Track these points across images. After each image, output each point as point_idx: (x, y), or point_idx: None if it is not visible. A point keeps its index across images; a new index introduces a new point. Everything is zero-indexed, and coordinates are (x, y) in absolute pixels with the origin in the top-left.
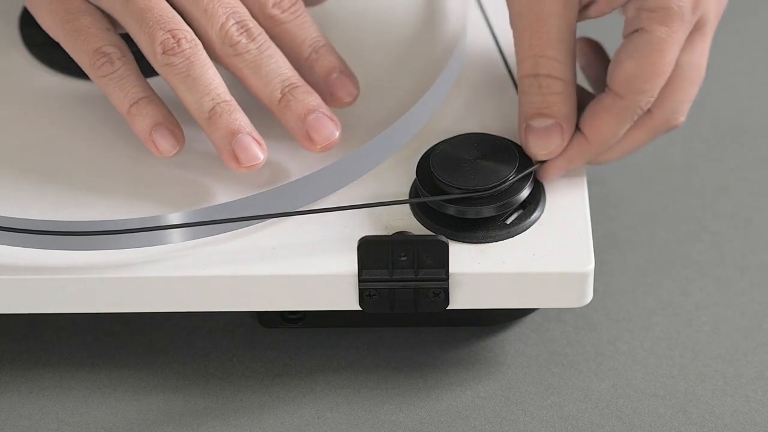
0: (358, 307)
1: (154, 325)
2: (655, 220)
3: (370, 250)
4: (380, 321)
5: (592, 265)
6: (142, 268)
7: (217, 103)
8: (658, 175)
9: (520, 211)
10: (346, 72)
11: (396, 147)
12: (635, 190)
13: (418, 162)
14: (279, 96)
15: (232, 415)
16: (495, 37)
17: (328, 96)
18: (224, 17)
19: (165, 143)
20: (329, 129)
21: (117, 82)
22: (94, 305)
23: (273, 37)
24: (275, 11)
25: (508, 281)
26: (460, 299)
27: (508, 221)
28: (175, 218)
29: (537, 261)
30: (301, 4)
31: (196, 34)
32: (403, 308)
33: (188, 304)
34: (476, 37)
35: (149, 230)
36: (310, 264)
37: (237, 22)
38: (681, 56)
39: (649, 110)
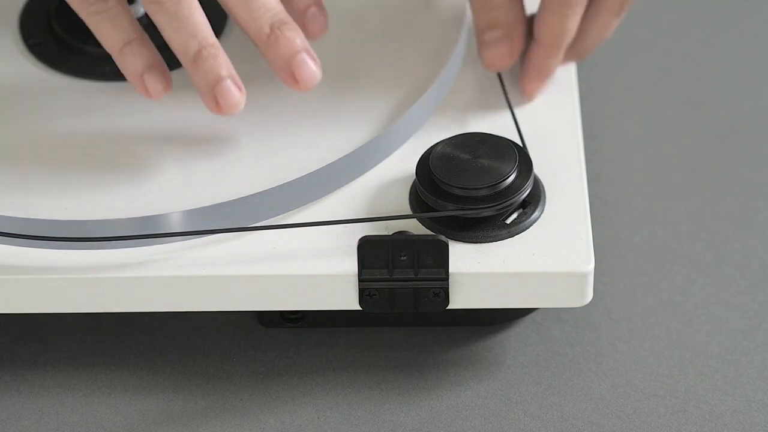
0: (358, 307)
1: (154, 325)
2: (655, 220)
3: (370, 249)
4: (380, 321)
5: (592, 265)
6: (142, 268)
7: (203, 47)
8: (658, 175)
9: (520, 211)
10: (320, 6)
11: (396, 146)
12: (635, 190)
13: (418, 161)
14: (267, 31)
15: (232, 415)
16: None
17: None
18: None
19: (157, 85)
20: (311, 70)
21: (110, 20)
22: (94, 305)
23: None
24: None
25: (508, 281)
26: (460, 299)
27: (508, 221)
28: (175, 219)
29: (537, 261)
30: None
31: None
32: (403, 308)
33: (188, 304)
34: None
35: (149, 237)
36: (310, 264)
37: None
38: None
39: None
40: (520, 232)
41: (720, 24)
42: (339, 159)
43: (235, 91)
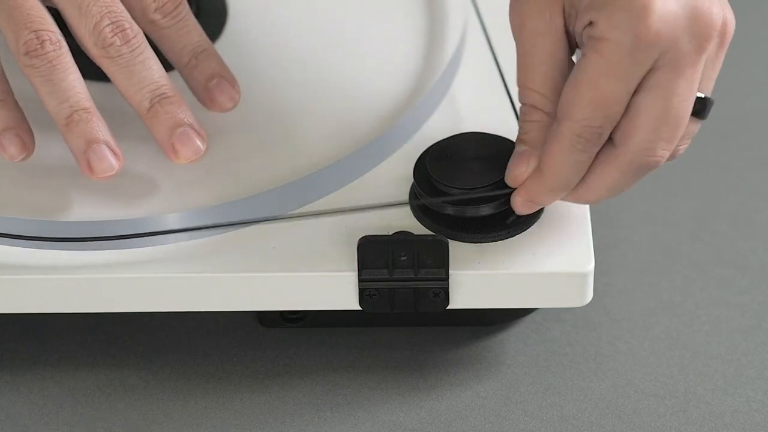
0: (358, 307)
1: (154, 325)
2: (655, 220)
3: (370, 249)
4: (380, 321)
5: (592, 265)
6: (142, 268)
7: (75, 111)
8: (658, 175)
9: None
10: (227, 77)
11: (395, 147)
12: (635, 190)
13: (416, 162)
14: (148, 105)
15: (232, 415)
16: (489, 41)
17: (208, 101)
18: (98, 17)
19: (12, 148)
20: (194, 144)
21: None
22: (94, 305)
23: (155, 41)
24: (156, 16)
25: (508, 281)
26: (460, 299)
27: (508, 221)
28: (174, 219)
29: (537, 261)
30: (184, 7)
31: (73, 33)
32: (403, 308)
33: (188, 304)
34: (475, 36)
35: (149, 235)
36: (310, 264)
37: (112, 23)
38: (641, 95)
39: (613, 145)
40: (520, 232)
41: None
42: (339, 159)
43: (108, 156)
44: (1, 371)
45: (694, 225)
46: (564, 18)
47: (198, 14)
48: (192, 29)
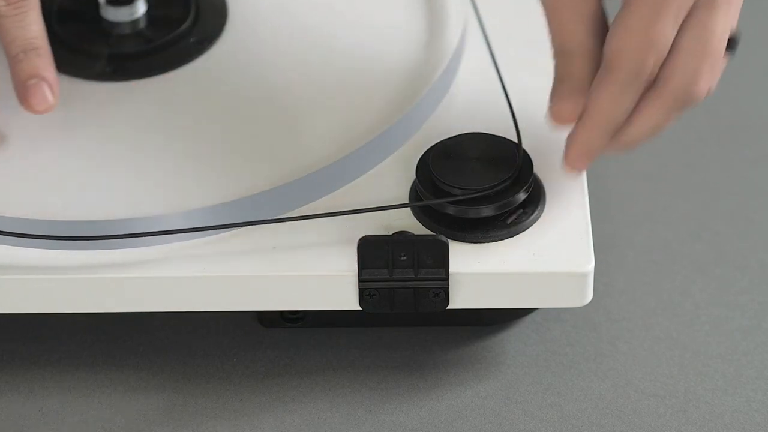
0: (358, 307)
1: (154, 325)
2: (655, 220)
3: (370, 249)
4: (380, 321)
5: (592, 265)
6: (142, 268)
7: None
8: (658, 175)
9: (520, 211)
10: (48, 80)
11: (396, 146)
12: (635, 190)
13: (418, 162)
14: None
15: (232, 415)
16: (488, 43)
17: (22, 99)
18: None
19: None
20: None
21: None
22: (94, 305)
23: None
24: None
25: (508, 281)
26: (460, 299)
27: (508, 221)
28: (174, 219)
29: (537, 261)
30: (31, 2)
31: None
32: (403, 308)
33: (188, 304)
34: (476, 34)
35: (148, 235)
36: (310, 264)
37: None
38: (682, 31)
39: (656, 84)
40: (520, 232)
41: None
42: (339, 159)
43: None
44: (1, 371)
45: (694, 225)
46: None
47: (198, 14)
48: (31, 24)
